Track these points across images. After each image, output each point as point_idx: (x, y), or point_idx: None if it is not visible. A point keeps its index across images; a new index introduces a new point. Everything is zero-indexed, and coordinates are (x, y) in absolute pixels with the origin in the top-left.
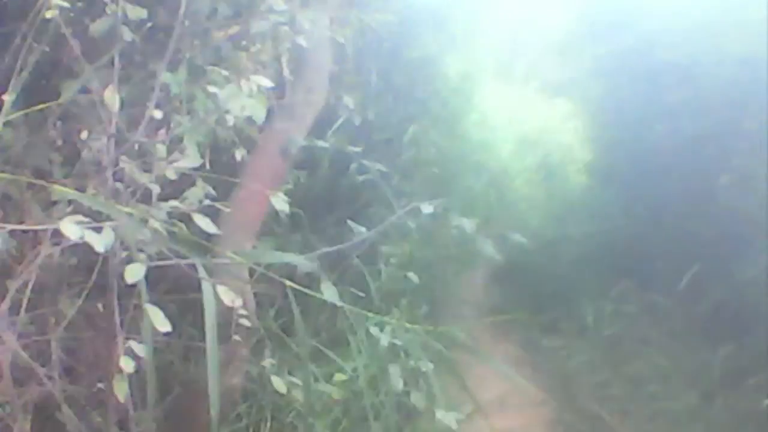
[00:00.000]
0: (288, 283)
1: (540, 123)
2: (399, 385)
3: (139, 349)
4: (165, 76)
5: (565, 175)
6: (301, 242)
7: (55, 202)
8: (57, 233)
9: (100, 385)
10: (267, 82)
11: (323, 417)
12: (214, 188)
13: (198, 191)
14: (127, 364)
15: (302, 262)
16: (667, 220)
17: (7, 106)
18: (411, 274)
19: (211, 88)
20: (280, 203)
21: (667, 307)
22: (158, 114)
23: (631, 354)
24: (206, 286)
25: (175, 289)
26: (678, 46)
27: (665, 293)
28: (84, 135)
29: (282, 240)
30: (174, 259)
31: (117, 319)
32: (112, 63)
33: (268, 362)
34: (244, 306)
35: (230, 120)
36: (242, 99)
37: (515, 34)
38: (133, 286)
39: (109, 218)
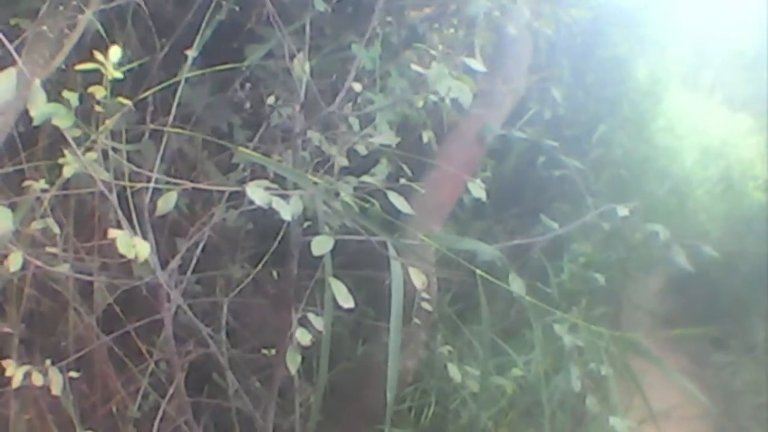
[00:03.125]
0: (479, 272)
1: (722, 135)
2: (577, 386)
3: (317, 321)
4: (359, 51)
5: (745, 191)
6: (482, 231)
7: (234, 165)
8: (233, 196)
9: (264, 352)
10: (479, 66)
11: (489, 408)
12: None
13: (383, 168)
14: (302, 337)
15: (493, 252)
16: None
17: (188, 62)
18: (597, 275)
19: (415, 67)
20: (478, 190)
21: None
22: (357, 87)
23: None
24: (395, 266)
25: (348, 264)
26: None
27: None
28: (270, 100)
29: (463, 226)
30: (359, 234)
31: (293, 289)
32: (301, 31)
33: (445, 349)
34: (427, 289)
35: (421, 101)
36: (449, 80)
37: (703, 44)
38: (311, 257)
39: (294, 187)
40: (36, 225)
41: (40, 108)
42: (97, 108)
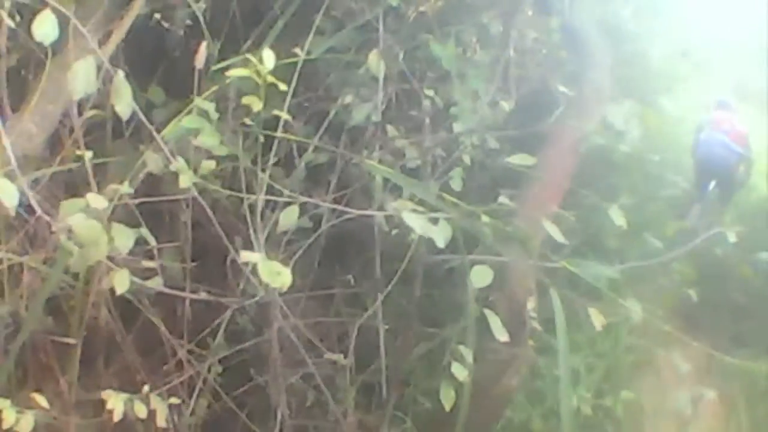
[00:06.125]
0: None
1: None
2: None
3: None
4: (438, 49)
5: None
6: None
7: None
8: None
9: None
10: None
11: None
12: None
13: (459, 173)
14: (459, 372)
15: (615, 274)
16: None
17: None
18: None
19: None
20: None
21: None
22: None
23: None
24: (554, 294)
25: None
26: None
27: None
28: (348, 99)
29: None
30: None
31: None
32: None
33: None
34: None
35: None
36: None
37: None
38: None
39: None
40: (125, 236)
41: (126, 102)
42: (247, 121)
